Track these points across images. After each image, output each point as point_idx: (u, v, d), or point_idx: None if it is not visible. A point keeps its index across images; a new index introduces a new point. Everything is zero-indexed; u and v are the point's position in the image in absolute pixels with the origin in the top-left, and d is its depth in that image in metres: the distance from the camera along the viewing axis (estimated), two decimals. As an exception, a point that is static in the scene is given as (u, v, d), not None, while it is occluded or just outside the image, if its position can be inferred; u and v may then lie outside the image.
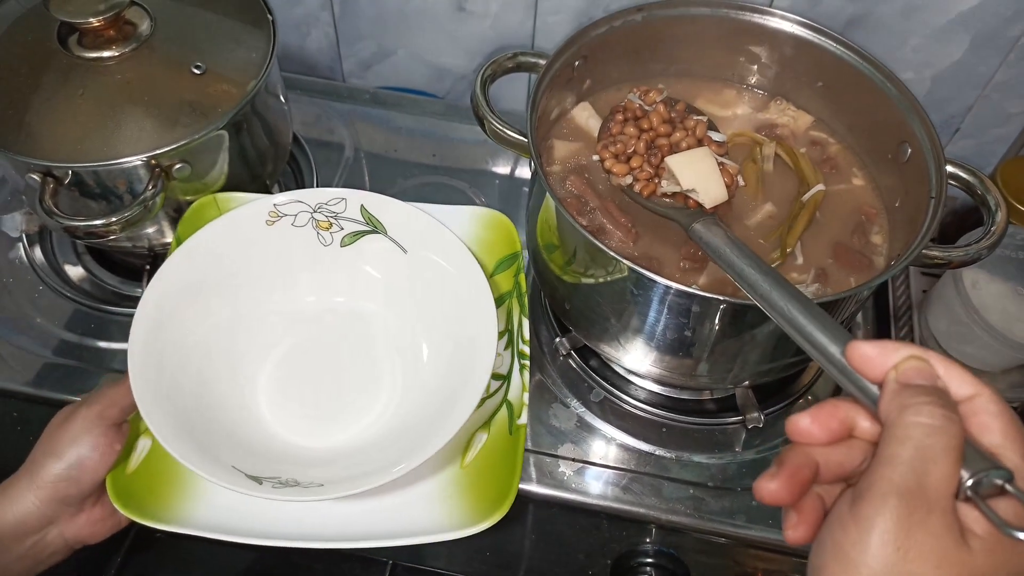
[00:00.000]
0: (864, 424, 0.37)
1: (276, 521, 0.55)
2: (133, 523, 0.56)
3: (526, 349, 0.64)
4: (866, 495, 0.32)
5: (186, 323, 0.61)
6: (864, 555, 0.31)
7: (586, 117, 0.72)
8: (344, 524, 0.56)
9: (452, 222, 0.66)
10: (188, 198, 0.70)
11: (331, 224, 0.67)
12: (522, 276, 0.67)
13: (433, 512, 0.56)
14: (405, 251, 0.66)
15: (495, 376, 0.61)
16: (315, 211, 0.66)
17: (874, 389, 0.36)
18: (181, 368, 0.59)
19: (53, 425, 0.56)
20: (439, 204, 0.68)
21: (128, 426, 0.57)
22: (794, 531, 0.36)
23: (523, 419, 0.60)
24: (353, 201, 0.66)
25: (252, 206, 0.65)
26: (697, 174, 0.61)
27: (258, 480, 0.54)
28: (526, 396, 0.61)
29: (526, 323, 0.65)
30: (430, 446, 0.54)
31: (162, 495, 0.56)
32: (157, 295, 0.60)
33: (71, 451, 0.54)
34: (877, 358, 0.36)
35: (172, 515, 0.55)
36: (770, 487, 0.35)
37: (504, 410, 0.61)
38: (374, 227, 0.67)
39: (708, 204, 0.61)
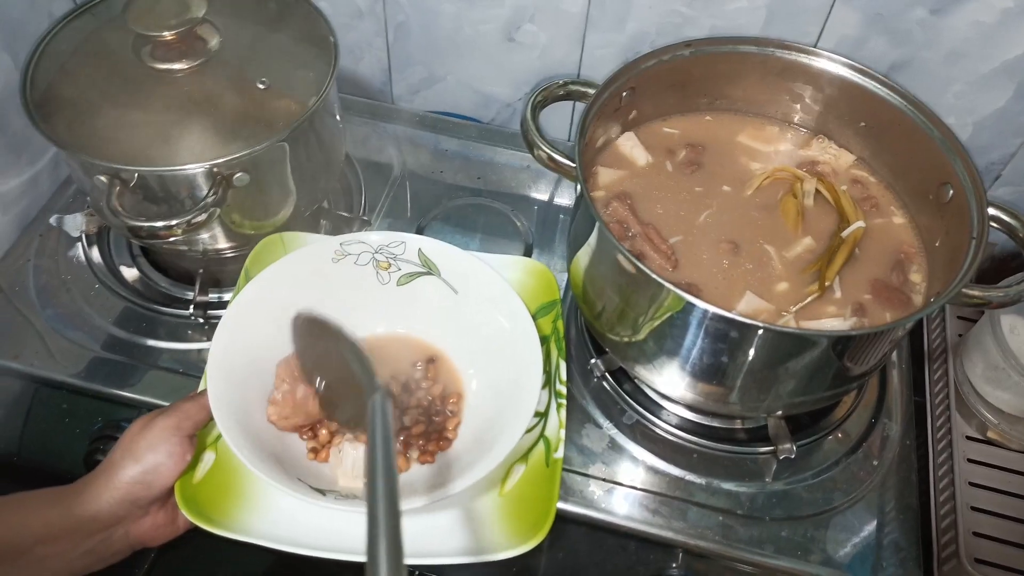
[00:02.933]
0: None
1: (326, 534, 0.58)
2: (195, 528, 0.59)
3: (563, 389, 0.67)
4: None
5: (257, 348, 0.64)
6: None
7: (630, 147, 0.74)
8: None
9: (498, 269, 0.69)
10: (246, 224, 0.74)
11: (390, 264, 0.70)
12: (560, 322, 0.70)
13: (475, 534, 0.59)
14: (456, 292, 0.70)
15: (534, 414, 0.63)
16: (376, 252, 0.70)
17: None
18: (249, 390, 0.63)
19: (132, 431, 0.59)
20: (484, 250, 0.72)
21: (196, 439, 0.60)
22: None
23: (559, 453, 0.63)
24: (412, 245, 0.70)
25: (321, 244, 0.70)
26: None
27: (322, 492, 0.57)
28: (562, 432, 0.64)
29: (563, 365, 0.68)
30: (478, 470, 0.56)
31: (224, 505, 0.59)
32: (233, 320, 0.64)
33: (148, 456, 0.57)
34: None
35: (232, 523, 0.58)
36: None
37: (541, 445, 0.64)
38: (429, 269, 0.70)
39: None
